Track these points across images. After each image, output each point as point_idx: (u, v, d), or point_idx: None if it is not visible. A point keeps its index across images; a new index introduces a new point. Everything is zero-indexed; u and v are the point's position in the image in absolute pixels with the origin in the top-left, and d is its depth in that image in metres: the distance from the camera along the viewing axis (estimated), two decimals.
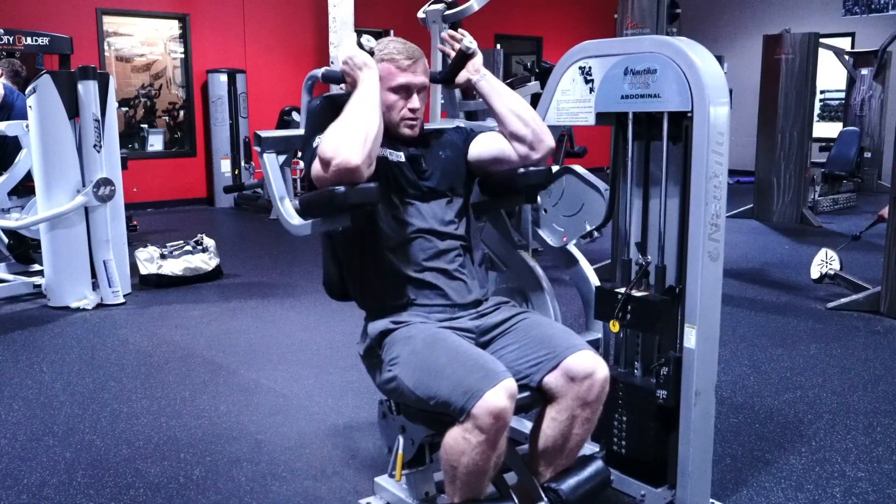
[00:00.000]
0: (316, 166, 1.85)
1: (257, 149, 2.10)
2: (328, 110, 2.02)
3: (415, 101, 2.00)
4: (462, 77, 2.12)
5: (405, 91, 1.98)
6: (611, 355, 2.32)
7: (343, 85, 2.01)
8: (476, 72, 2.09)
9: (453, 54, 2.13)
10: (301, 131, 2.13)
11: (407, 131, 2.02)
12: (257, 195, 8.78)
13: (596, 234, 2.31)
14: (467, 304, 2.00)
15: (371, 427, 2.78)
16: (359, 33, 2.25)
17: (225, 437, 2.81)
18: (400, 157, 2.00)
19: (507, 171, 2.08)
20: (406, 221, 1.98)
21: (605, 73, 2.10)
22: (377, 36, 2.04)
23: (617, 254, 2.27)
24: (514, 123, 2.03)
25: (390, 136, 1.98)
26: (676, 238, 2.07)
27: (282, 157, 2.13)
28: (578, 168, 2.32)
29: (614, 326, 2.14)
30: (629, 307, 2.10)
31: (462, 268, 2.02)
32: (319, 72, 2.08)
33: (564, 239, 2.36)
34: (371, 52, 1.93)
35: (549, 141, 2.07)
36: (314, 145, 1.89)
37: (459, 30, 2.14)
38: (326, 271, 2.16)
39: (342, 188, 1.78)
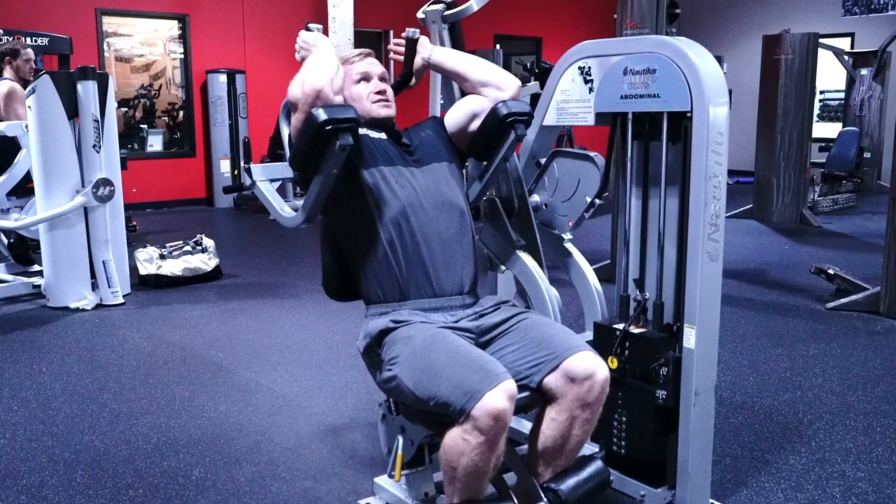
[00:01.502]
0: (292, 121, 1.95)
1: (247, 182, 2.22)
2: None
3: (378, 84, 2.10)
4: (417, 62, 2.23)
5: (366, 79, 2.10)
6: None
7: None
8: (425, 49, 2.21)
9: (399, 53, 2.25)
10: (288, 173, 2.20)
11: (382, 111, 2.10)
12: (257, 195, 8.77)
13: (598, 201, 2.32)
14: (460, 293, 2.01)
15: (370, 427, 2.78)
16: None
17: (224, 437, 2.81)
18: (381, 135, 2.08)
19: (489, 118, 2.10)
20: (398, 193, 1.99)
21: (604, 73, 2.10)
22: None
23: (617, 253, 2.27)
24: (477, 73, 2.15)
25: (367, 121, 2.06)
26: (674, 274, 2.07)
27: (276, 184, 2.25)
28: (565, 148, 2.38)
29: (613, 363, 2.13)
30: (627, 343, 2.10)
31: (458, 255, 2.02)
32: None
33: (570, 223, 2.37)
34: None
35: (515, 80, 2.16)
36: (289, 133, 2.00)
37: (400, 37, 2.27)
38: (326, 271, 2.16)
39: (318, 108, 1.84)
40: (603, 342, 2.17)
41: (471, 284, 2.06)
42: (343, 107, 1.90)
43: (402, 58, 2.25)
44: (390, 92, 2.13)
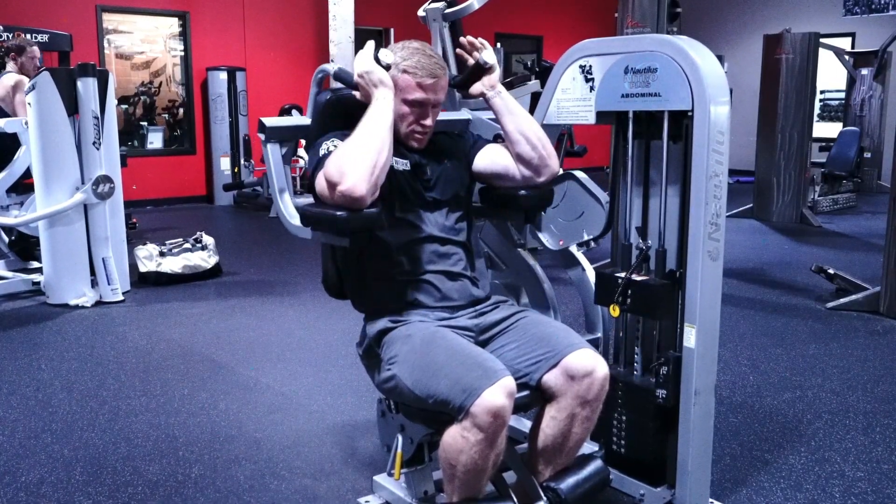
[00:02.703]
0: (321, 182, 1.84)
1: (261, 136, 2.09)
2: (336, 110, 2.02)
3: (428, 118, 1.98)
4: (476, 89, 2.08)
5: (420, 107, 1.96)
6: (610, 354, 2.32)
7: (354, 91, 1.99)
8: (491, 87, 2.06)
9: (470, 61, 2.09)
10: (306, 120, 2.12)
11: (414, 144, 2.01)
12: (257, 193, 8.78)
13: (593, 244, 2.30)
14: (467, 304, 2.00)
15: (370, 426, 2.78)
16: (359, 31, 2.24)
17: (224, 435, 2.81)
18: (405, 164, 1.99)
19: (509, 189, 2.09)
20: (408, 229, 1.98)
21: (605, 72, 2.10)
22: (376, 35, 2.04)
23: (617, 252, 2.26)
24: (523, 146, 2.02)
25: (396, 142, 1.94)
26: (677, 222, 2.06)
27: (284, 149, 2.14)
28: (581, 175, 2.31)
29: (614, 311, 2.12)
30: (629, 291, 2.09)
31: (465, 270, 2.02)
32: (332, 69, 2.06)
33: (561, 242, 2.35)
34: (387, 67, 1.91)
35: (555, 166, 2.07)
36: (320, 153, 1.88)
37: (481, 39, 2.10)
38: (325, 270, 2.15)
39: (344, 214, 1.78)
40: (605, 291, 2.14)
41: (482, 297, 2.06)
42: (370, 215, 1.79)
43: (465, 63, 2.12)
44: (433, 126, 2.01)
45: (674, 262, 2.08)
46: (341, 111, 2.02)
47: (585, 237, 2.29)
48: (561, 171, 2.30)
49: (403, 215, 1.98)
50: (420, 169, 2.01)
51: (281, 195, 2.15)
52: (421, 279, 1.97)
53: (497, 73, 2.08)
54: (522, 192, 2.08)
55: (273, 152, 2.08)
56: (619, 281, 2.09)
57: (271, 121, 2.11)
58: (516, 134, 2.03)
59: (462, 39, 2.12)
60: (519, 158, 2.03)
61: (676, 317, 2.06)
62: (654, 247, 2.09)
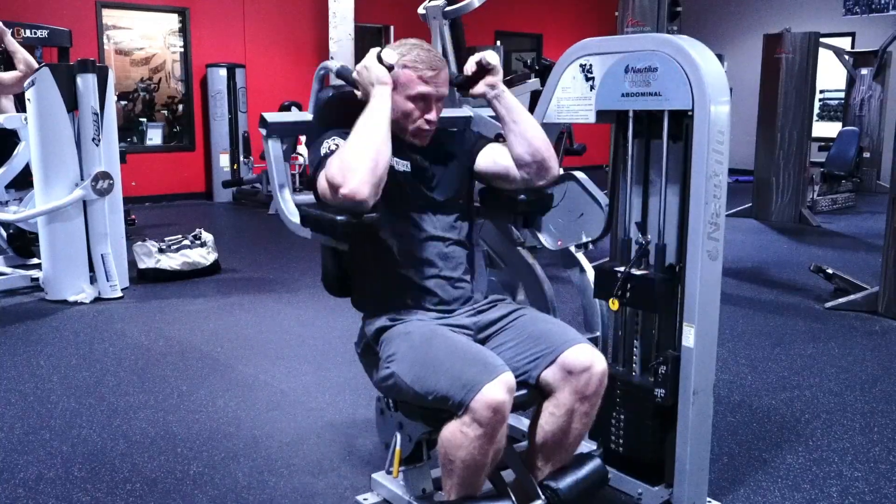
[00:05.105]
0: (322, 183, 1.84)
1: (262, 131, 2.09)
2: (338, 107, 2.03)
3: (432, 113, 1.97)
4: (478, 89, 2.06)
5: (423, 101, 1.95)
6: (609, 353, 2.32)
7: (355, 89, 1.99)
8: (493, 88, 2.04)
9: (473, 65, 2.07)
10: (307, 116, 2.12)
11: (417, 141, 2.00)
12: (256, 190, 8.78)
13: (591, 246, 2.30)
14: (465, 304, 2.01)
15: (369, 423, 2.78)
16: (359, 29, 2.23)
17: (222, 432, 2.81)
18: (406, 166, 1.98)
19: (509, 191, 2.09)
20: (409, 229, 1.98)
21: (605, 71, 2.10)
22: (376, 32, 2.03)
23: (616, 252, 2.26)
24: (524, 148, 2.00)
25: (398, 141, 1.93)
26: (677, 217, 2.06)
27: (284, 145, 2.14)
28: (581, 176, 2.30)
29: (614, 305, 2.12)
30: (629, 285, 2.09)
31: (465, 274, 2.03)
32: (334, 66, 2.06)
33: (559, 243, 2.35)
34: (390, 68, 1.90)
35: (555, 170, 2.05)
36: (322, 152, 1.88)
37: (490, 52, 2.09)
38: (325, 267, 2.16)
39: (344, 219, 1.78)
40: (604, 285, 2.15)
41: (476, 300, 2.07)
42: (370, 219, 1.80)
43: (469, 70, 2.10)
44: (437, 121, 2.00)
45: (673, 257, 2.08)
46: (343, 109, 2.02)
47: (584, 239, 2.29)
48: (561, 171, 2.31)
49: (404, 215, 1.98)
50: (421, 170, 2.01)
51: (281, 191, 2.16)
52: (421, 281, 1.97)
53: (500, 74, 2.05)
54: (522, 196, 2.08)
55: (274, 148, 2.08)
56: (619, 275, 2.10)
57: (273, 116, 2.11)
58: (518, 137, 2.01)
59: (477, 59, 2.07)
60: (519, 161, 2.02)
61: (675, 311, 2.06)
62: (654, 242, 2.10)
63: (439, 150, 2.07)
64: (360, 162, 1.76)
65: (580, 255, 2.37)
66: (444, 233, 2.01)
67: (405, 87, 1.92)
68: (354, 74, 1.93)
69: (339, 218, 1.79)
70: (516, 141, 2.01)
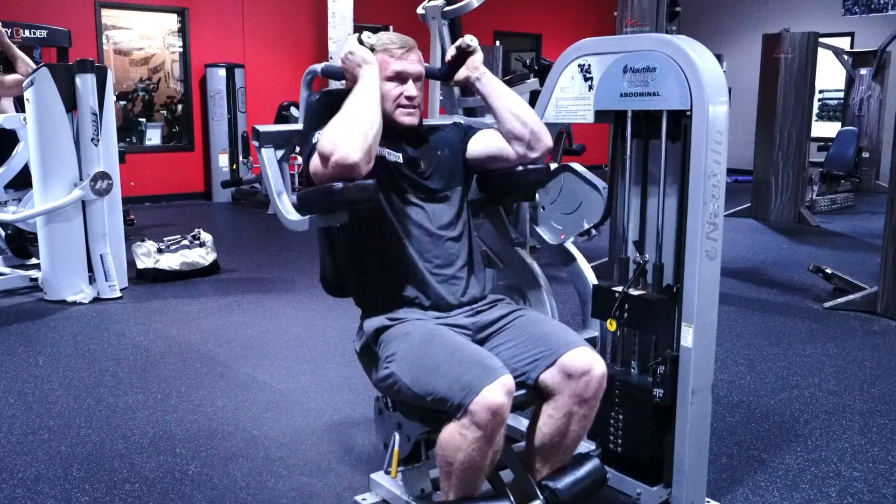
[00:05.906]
0: (315, 161, 1.84)
1: (255, 143, 2.10)
2: (327, 106, 2.02)
3: (411, 89, 1.99)
4: (461, 74, 2.10)
5: (399, 79, 1.98)
6: (607, 353, 2.32)
7: (343, 81, 2.00)
8: (475, 69, 2.07)
9: (454, 51, 2.11)
10: (299, 126, 2.13)
11: (405, 119, 2.00)
12: (255, 190, 8.78)
13: (594, 231, 2.31)
14: (463, 303, 2.00)
15: (367, 423, 2.78)
16: (359, 29, 2.25)
17: (221, 432, 2.81)
18: (398, 157, 1.99)
19: (506, 169, 2.08)
20: (405, 222, 1.98)
21: (604, 71, 2.10)
22: (375, 31, 2.04)
23: (615, 252, 2.27)
24: (513, 123, 2.02)
25: (388, 132, 1.95)
26: (674, 236, 2.07)
27: (280, 152, 2.13)
28: (577, 166, 2.32)
29: (611, 325, 2.14)
30: (626, 306, 2.10)
31: (461, 270, 2.02)
32: (318, 67, 2.08)
33: (563, 236, 2.36)
34: (372, 49, 1.94)
35: (548, 140, 2.06)
36: (313, 140, 1.89)
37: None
38: (323, 267, 2.15)
39: (339, 184, 1.77)
40: (602, 305, 2.15)
41: (479, 296, 2.06)
42: (366, 185, 1.79)
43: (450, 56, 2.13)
44: (420, 96, 2.03)
45: (671, 277, 2.09)
46: (332, 106, 2.02)
47: (586, 226, 2.30)
48: (555, 166, 2.31)
49: (399, 208, 1.98)
50: (413, 160, 2.02)
51: (279, 197, 2.16)
52: (416, 278, 1.96)
53: (480, 55, 2.09)
54: (520, 168, 2.06)
55: (268, 157, 2.09)
56: (616, 295, 2.10)
57: (265, 128, 2.14)
58: (506, 112, 2.03)
59: (460, 44, 2.11)
60: (511, 136, 2.03)
61: (673, 332, 2.07)
62: (652, 261, 2.10)
63: (431, 142, 2.09)
64: (350, 130, 1.78)
65: (576, 251, 2.38)
66: (441, 228, 2.01)
67: (381, 70, 1.95)
68: (339, 63, 1.96)
69: (335, 184, 1.77)
70: (505, 116, 2.03)
